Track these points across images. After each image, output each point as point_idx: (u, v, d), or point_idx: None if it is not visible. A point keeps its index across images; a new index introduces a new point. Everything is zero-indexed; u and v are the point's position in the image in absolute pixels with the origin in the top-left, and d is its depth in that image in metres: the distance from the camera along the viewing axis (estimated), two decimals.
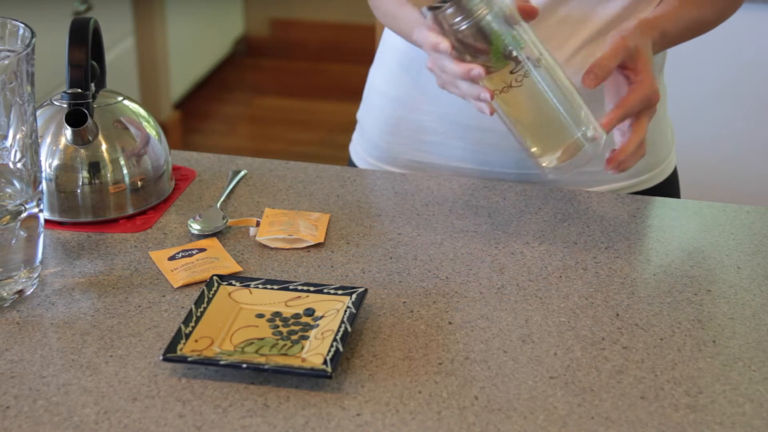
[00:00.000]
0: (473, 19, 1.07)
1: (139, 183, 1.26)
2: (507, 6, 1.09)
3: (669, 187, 1.45)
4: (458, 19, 1.08)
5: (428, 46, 1.11)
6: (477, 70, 1.08)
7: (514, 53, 1.08)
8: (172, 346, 1.00)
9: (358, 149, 1.50)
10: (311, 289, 1.10)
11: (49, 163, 1.23)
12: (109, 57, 1.36)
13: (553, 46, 1.31)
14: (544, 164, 1.13)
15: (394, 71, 1.43)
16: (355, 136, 1.52)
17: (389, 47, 1.45)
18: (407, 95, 1.42)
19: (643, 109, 1.16)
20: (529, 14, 1.12)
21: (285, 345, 1.02)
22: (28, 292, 1.11)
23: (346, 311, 1.05)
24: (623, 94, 1.18)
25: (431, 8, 1.09)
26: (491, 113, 1.12)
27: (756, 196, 2.43)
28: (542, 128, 1.13)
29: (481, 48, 1.08)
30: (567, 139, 1.11)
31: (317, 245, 1.21)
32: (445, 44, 1.09)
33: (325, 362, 0.98)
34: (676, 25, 1.25)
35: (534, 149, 1.13)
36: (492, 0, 1.08)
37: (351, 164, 1.50)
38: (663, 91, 1.43)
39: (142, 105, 1.31)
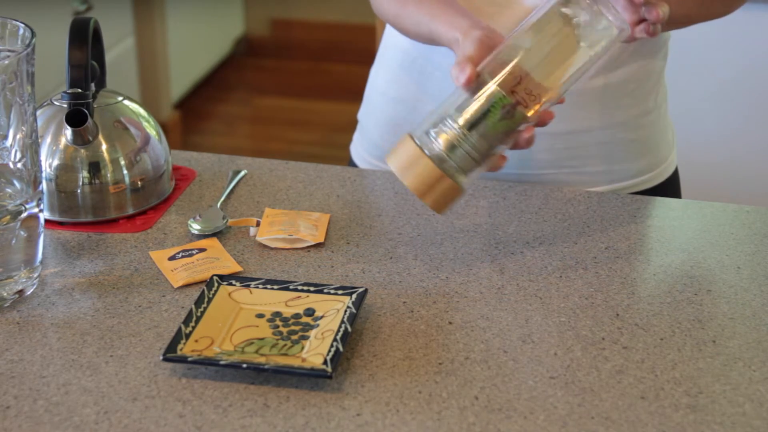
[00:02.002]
0: (477, 150, 1.09)
1: (139, 183, 1.26)
2: (458, 103, 1.10)
3: (670, 188, 1.45)
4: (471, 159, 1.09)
5: (456, 72, 1.10)
6: (528, 137, 1.09)
7: (507, 105, 1.08)
8: (172, 346, 1.00)
9: (359, 149, 1.50)
10: (311, 289, 1.10)
11: (49, 163, 1.23)
12: (109, 57, 1.36)
13: None
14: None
15: (395, 72, 1.43)
16: (356, 137, 1.52)
17: (390, 47, 1.45)
18: (408, 95, 1.42)
19: None
20: (470, 82, 1.09)
21: (285, 345, 1.02)
22: (28, 292, 1.11)
23: (346, 311, 1.05)
24: None
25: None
26: (558, 106, 1.11)
27: (756, 196, 2.44)
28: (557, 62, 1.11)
29: (505, 135, 1.09)
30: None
31: (317, 245, 1.21)
32: (465, 77, 1.08)
33: (325, 362, 0.98)
34: None
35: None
36: (456, 138, 1.09)
37: (352, 164, 1.50)
38: (664, 92, 1.43)
39: (142, 105, 1.31)
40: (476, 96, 1.08)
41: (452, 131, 1.08)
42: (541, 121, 1.10)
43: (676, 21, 1.28)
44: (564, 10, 1.08)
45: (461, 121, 1.08)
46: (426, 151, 1.09)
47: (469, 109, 1.08)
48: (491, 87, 1.08)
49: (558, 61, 1.09)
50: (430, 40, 1.25)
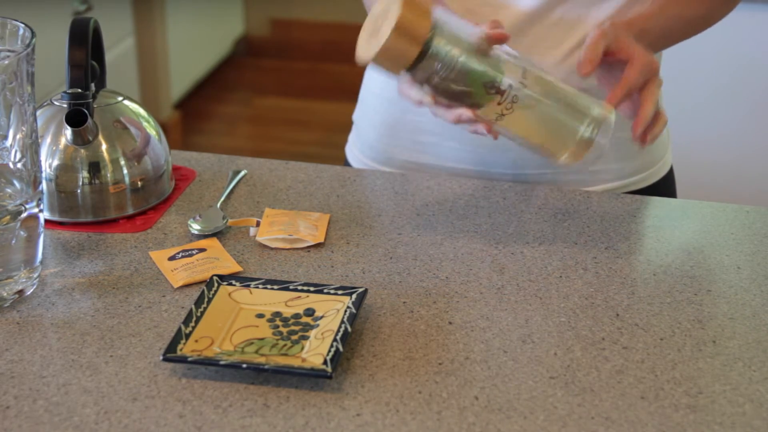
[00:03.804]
0: (446, 68, 1.08)
1: (139, 183, 1.26)
2: (474, 38, 1.09)
3: (665, 187, 1.45)
4: (432, 73, 1.09)
5: (413, 102, 1.12)
6: (465, 114, 1.10)
7: (496, 85, 1.09)
8: (172, 346, 1.00)
9: (355, 151, 1.50)
10: (311, 289, 1.10)
11: (49, 163, 1.23)
12: (109, 57, 1.36)
13: (547, 47, 1.31)
14: (561, 161, 1.14)
15: None
16: (351, 138, 1.52)
17: None
18: None
19: (647, 79, 1.16)
20: (498, 40, 1.11)
21: (285, 345, 1.03)
22: (28, 292, 1.11)
23: (346, 311, 1.05)
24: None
25: (407, 70, 1.09)
26: (495, 137, 1.13)
27: (756, 196, 2.44)
28: (549, 135, 1.13)
29: (462, 91, 1.09)
30: (576, 136, 1.12)
31: (317, 245, 1.21)
32: (427, 99, 1.11)
33: (325, 362, 0.98)
34: (656, 23, 1.25)
35: (547, 154, 1.14)
36: (459, 41, 1.08)
37: (347, 165, 1.50)
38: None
39: (142, 105, 1.31)
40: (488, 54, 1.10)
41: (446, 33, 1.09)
42: (490, 133, 1.12)
43: (679, 27, 1.29)
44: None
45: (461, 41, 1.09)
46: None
47: (471, 47, 1.08)
48: (505, 57, 1.09)
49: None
50: None
